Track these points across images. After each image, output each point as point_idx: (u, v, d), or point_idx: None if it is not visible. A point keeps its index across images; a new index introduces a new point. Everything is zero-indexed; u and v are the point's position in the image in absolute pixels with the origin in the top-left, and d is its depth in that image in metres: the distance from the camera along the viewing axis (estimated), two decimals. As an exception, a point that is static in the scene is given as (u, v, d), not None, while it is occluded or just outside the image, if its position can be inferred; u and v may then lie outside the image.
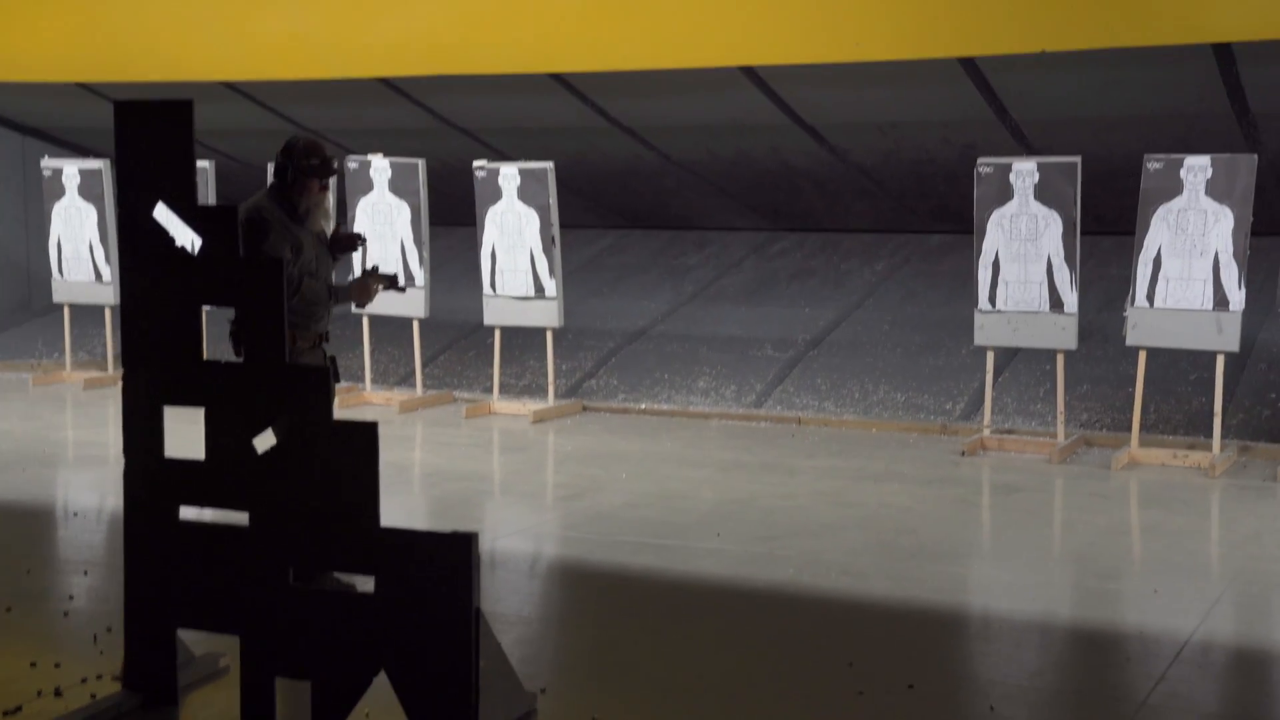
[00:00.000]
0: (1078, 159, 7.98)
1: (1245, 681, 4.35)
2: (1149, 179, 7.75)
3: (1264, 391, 8.54)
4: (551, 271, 9.27)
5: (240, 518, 3.79)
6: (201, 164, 10.52)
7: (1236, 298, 7.54)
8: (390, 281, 5.42)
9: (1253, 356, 8.78)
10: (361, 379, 10.16)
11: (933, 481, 7.18)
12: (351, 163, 9.98)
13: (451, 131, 11.53)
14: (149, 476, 3.91)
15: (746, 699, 4.06)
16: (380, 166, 9.85)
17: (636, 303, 11.36)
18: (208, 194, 10.56)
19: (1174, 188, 7.67)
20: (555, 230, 9.27)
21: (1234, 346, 7.61)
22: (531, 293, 9.35)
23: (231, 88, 11.37)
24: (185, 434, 4.10)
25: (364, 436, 3.62)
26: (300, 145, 5.01)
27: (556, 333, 9.59)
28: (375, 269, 5.49)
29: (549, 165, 9.33)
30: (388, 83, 10.84)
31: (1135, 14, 8.08)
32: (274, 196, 5.03)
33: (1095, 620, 4.89)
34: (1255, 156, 7.68)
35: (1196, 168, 7.64)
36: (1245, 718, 3.98)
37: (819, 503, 6.66)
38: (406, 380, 10.45)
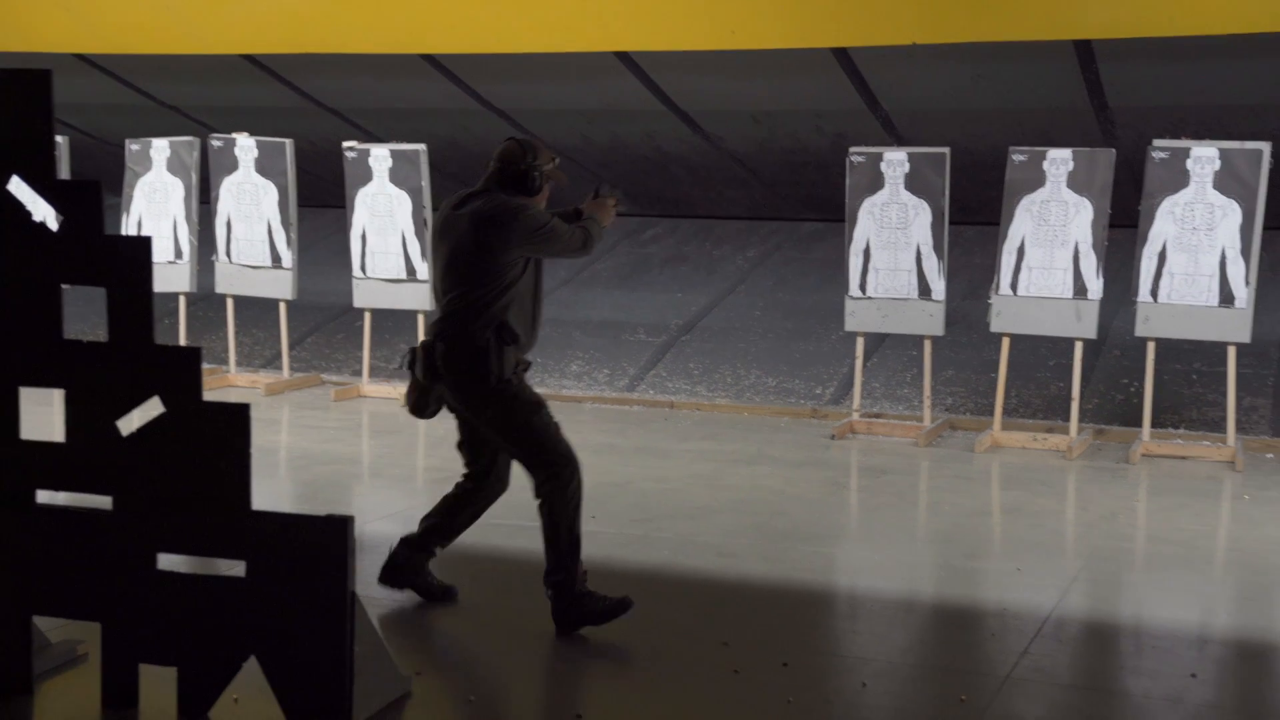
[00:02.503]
0: (946, 150, 8.15)
1: (1101, 654, 4.50)
2: (1013, 170, 7.96)
3: (1118, 377, 8.85)
4: (424, 254, 9.16)
5: (102, 502, 3.67)
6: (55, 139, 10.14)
7: (1095, 287, 7.79)
8: (612, 189, 4.90)
9: (1108, 343, 9.09)
10: (225, 361, 9.92)
11: (804, 464, 7.28)
12: (216, 141, 9.72)
13: (320, 112, 11.32)
14: (4, 459, 3.76)
15: (622, 680, 4.06)
16: (246, 146, 9.61)
17: (509, 287, 11.27)
18: (63, 170, 10.18)
19: (1037, 179, 7.89)
20: (428, 213, 9.16)
21: (1092, 333, 7.86)
22: (403, 275, 9.23)
23: (86, 61, 10.98)
24: (37, 415, 3.94)
25: (234, 418, 3.54)
26: (540, 148, 4.61)
27: (428, 316, 9.48)
28: (600, 188, 4.90)
29: (421, 147, 9.21)
30: (252, 60, 10.59)
31: (1001, 10, 8.28)
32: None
33: (961, 598, 5.02)
34: (1113, 151, 7.94)
35: (1058, 160, 7.87)
36: (1102, 688, 4.12)
37: (693, 485, 6.71)
38: (272, 363, 10.25)
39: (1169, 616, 4.76)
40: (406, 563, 4.72)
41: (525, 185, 4.54)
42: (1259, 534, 6.01)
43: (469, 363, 4.39)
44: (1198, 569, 5.48)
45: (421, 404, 4.59)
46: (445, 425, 8.24)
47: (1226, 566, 5.63)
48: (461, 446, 4.71)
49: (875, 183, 8.22)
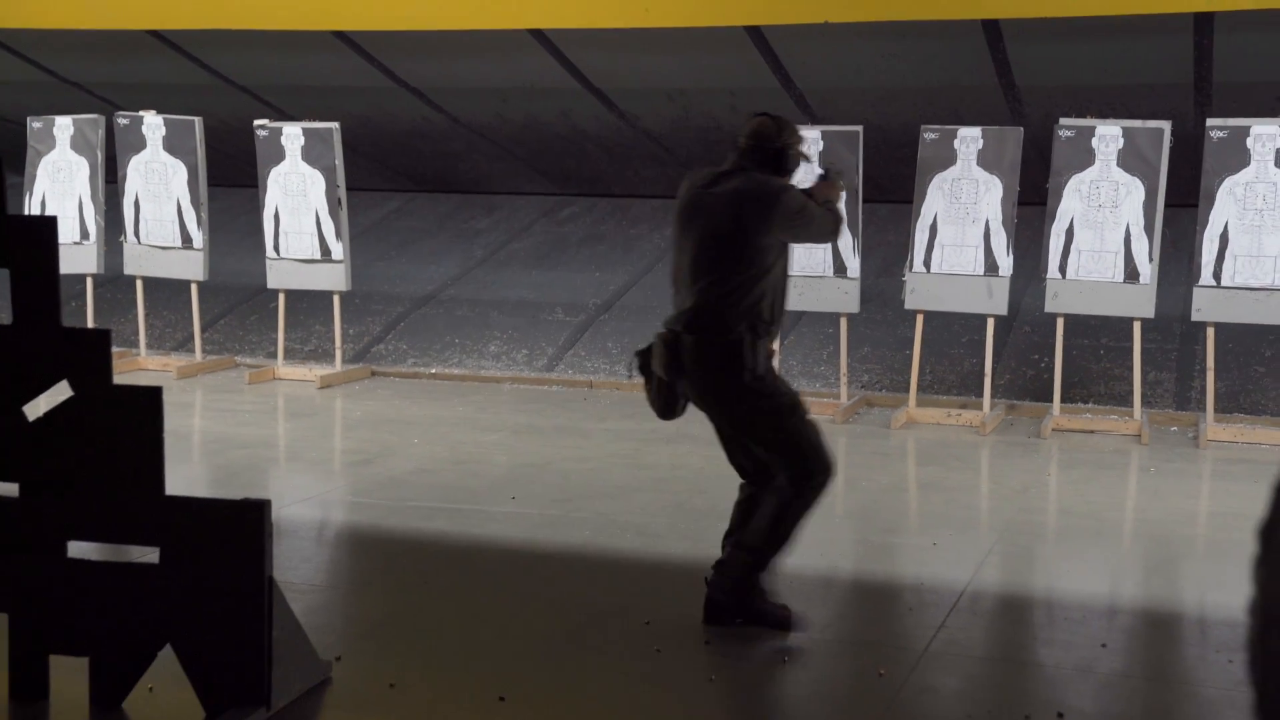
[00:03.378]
0: (859, 128, 8.22)
1: (1015, 625, 4.59)
2: (925, 149, 8.05)
3: (1028, 353, 9.01)
4: (338, 234, 9.05)
5: (9, 489, 3.58)
6: (-46, 116, 9.84)
7: (1005, 263, 7.92)
8: (838, 172, 4.67)
9: (1018, 319, 9.25)
10: (135, 344, 9.73)
11: (722, 443, 7.31)
12: (121, 119, 9.50)
13: (230, 89, 11.11)
14: (-95, 447, 3.65)
15: (545, 660, 4.06)
16: (154, 124, 9.41)
17: (425, 267, 11.20)
18: (-38, 149, 9.87)
19: (948, 157, 7.99)
20: (341, 192, 9.05)
21: (1003, 310, 8.00)
22: (317, 255, 9.10)
23: (-15, 35, 10.67)
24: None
25: (146, 401, 3.47)
26: (793, 126, 4.35)
27: (344, 297, 9.38)
28: (828, 170, 4.63)
29: (334, 126, 9.09)
30: (158, 35, 10.35)
31: (912, -11, 8.36)
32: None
33: (879, 573, 5.08)
34: (1021, 129, 8.07)
35: (969, 139, 7.98)
36: (1015, 659, 4.20)
37: (613, 465, 6.71)
38: (184, 345, 10.06)
39: (1080, 588, 4.86)
40: (731, 592, 4.29)
41: (781, 164, 4.26)
42: (1164, 505, 6.16)
43: (722, 358, 4.09)
44: (1107, 541, 5.61)
45: (670, 403, 4.24)
46: (363, 408, 8.19)
47: (1134, 538, 5.77)
48: (730, 454, 4.39)
49: (791, 161, 8.25)
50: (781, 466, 4.21)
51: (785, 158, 4.26)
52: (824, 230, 4.36)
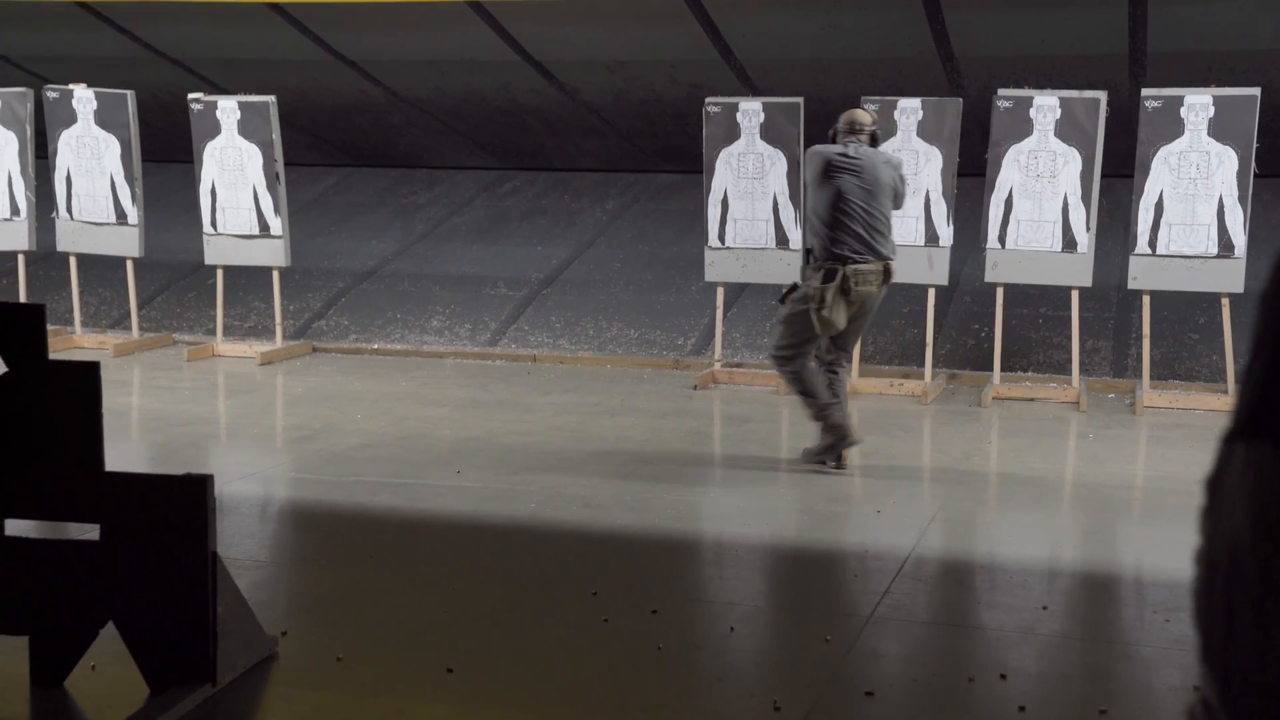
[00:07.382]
0: (800, 100, 8.23)
1: (958, 590, 4.65)
2: (866, 120, 8.06)
3: (968, 323, 9.10)
4: (277, 209, 8.94)
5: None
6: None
7: (946, 234, 7.98)
8: None
9: (959, 290, 9.33)
10: (70, 322, 9.57)
11: (667, 414, 7.34)
12: (51, 93, 9.32)
13: (163, 62, 10.93)
14: None
15: (493, 633, 4.06)
16: (84, 98, 9.23)
17: (365, 242, 11.10)
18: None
19: (888, 129, 8.02)
20: (280, 166, 8.93)
21: (944, 280, 8.06)
22: (255, 231, 8.99)
23: (-91, 7, 10.41)
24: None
25: (83, 376, 3.41)
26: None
27: (283, 272, 9.27)
28: None
29: (271, 99, 8.96)
30: (85, 6, 10.15)
31: (852, -40, 8.37)
32: None
33: (823, 541, 5.12)
34: (960, 100, 8.12)
35: (908, 110, 8.02)
36: (959, 624, 4.25)
37: (557, 438, 6.71)
38: (121, 323, 9.92)
39: (1021, 552, 4.93)
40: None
41: (875, 140, 6.40)
42: (1102, 470, 6.26)
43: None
44: (1047, 506, 5.70)
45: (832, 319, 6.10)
46: (305, 384, 8.12)
47: (1073, 502, 5.86)
48: (851, 337, 6.29)
49: (731, 133, 8.27)
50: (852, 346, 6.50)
51: (877, 136, 6.32)
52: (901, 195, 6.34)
